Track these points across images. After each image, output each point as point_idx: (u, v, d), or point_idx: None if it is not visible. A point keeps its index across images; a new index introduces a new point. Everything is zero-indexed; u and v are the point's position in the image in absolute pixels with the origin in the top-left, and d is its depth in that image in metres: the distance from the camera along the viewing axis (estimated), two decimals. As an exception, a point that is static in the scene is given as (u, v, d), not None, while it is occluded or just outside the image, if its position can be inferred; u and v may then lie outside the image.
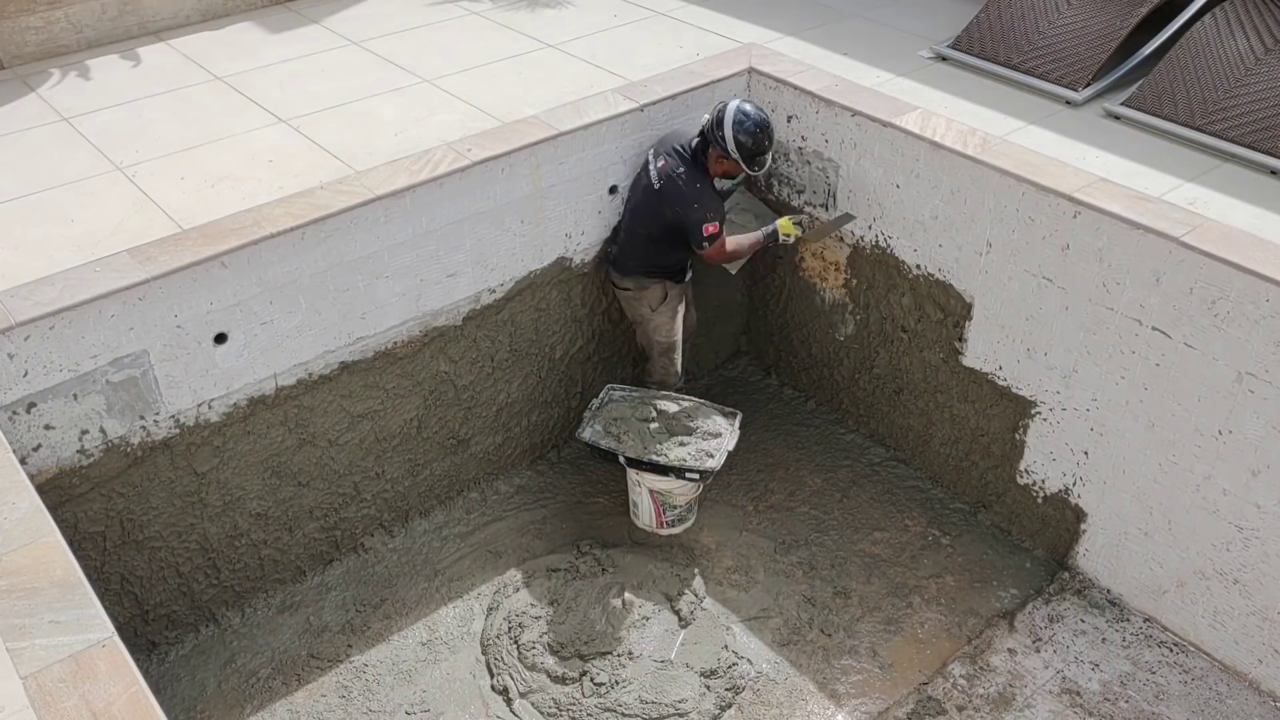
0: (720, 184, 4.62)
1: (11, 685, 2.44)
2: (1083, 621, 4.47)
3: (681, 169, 4.56)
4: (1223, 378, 3.83)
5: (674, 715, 4.09)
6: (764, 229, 4.85)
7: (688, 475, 4.56)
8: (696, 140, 4.61)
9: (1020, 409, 4.59)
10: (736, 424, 4.81)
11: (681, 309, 4.92)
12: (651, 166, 4.63)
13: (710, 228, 4.56)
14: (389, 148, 4.46)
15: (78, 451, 3.76)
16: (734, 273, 5.28)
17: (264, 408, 4.17)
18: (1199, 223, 3.86)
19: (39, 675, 2.47)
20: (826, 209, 5.02)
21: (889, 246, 4.82)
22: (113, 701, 2.41)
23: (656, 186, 4.60)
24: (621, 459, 4.62)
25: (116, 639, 2.56)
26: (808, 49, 5.34)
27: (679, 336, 4.95)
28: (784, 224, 4.79)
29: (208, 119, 4.75)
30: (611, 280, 4.92)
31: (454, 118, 4.71)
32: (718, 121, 4.45)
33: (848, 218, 4.82)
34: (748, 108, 4.45)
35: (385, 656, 4.36)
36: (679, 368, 5.01)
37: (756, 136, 4.45)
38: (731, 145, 4.44)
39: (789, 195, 5.19)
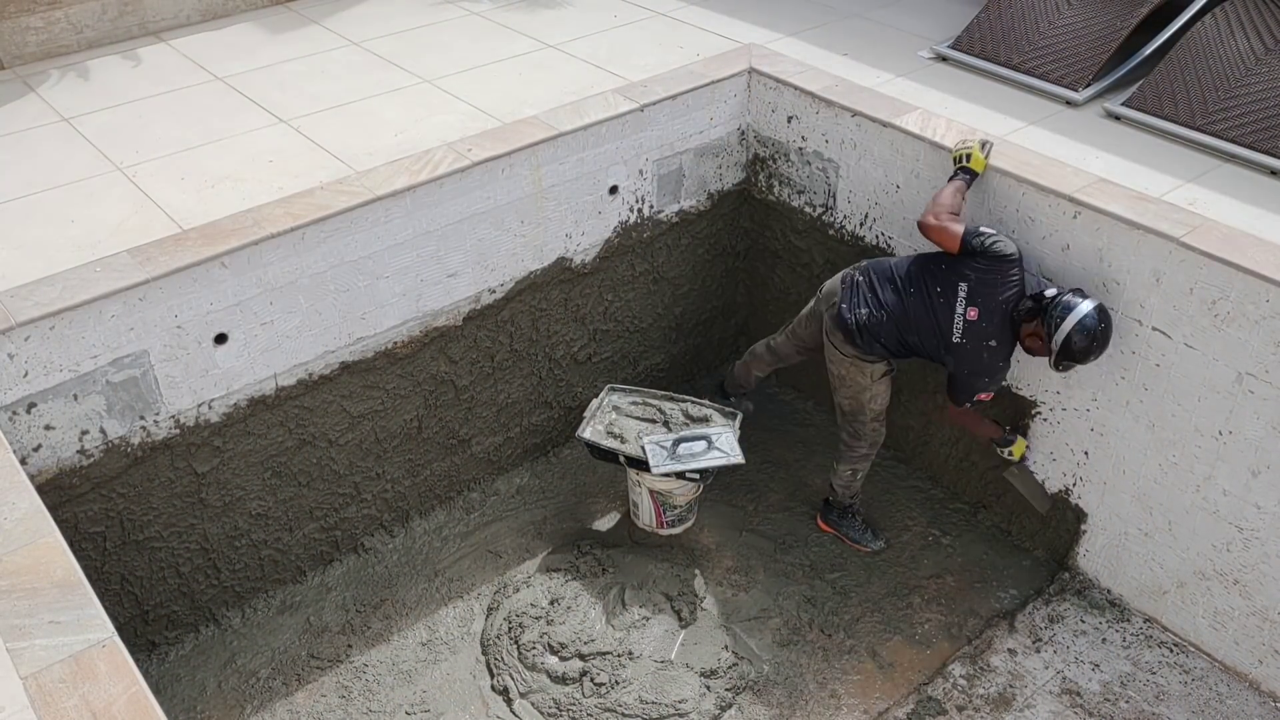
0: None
1: (12, 686, 2.44)
2: (1083, 622, 4.47)
3: (994, 341, 4.02)
4: (1223, 378, 3.83)
5: (674, 715, 4.09)
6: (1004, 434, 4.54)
7: (688, 475, 4.56)
8: (1028, 306, 3.97)
9: (1020, 409, 4.58)
10: (737, 424, 4.81)
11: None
12: (958, 306, 4.01)
13: (983, 396, 4.15)
14: (389, 148, 4.46)
15: (78, 452, 3.76)
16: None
17: (264, 408, 4.17)
18: (1199, 223, 3.86)
19: (39, 675, 2.47)
20: (827, 209, 5.02)
21: (889, 247, 4.82)
22: (113, 702, 2.41)
23: (956, 339, 4.06)
24: (622, 459, 4.62)
25: (116, 639, 2.56)
26: (808, 49, 5.34)
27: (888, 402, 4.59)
28: (1019, 447, 4.51)
29: (208, 119, 4.75)
30: (833, 342, 4.35)
31: (454, 118, 4.71)
32: (1064, 310, 3.85)
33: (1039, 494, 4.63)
34: (1099, 316, 3.86)
35: (385, 657, 4.36)
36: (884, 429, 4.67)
37: (1089, 348, 3.86)
38: (1059, 340, 3.85)
39: (789, 196, 5.19)
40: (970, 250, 4.00)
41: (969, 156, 4.20)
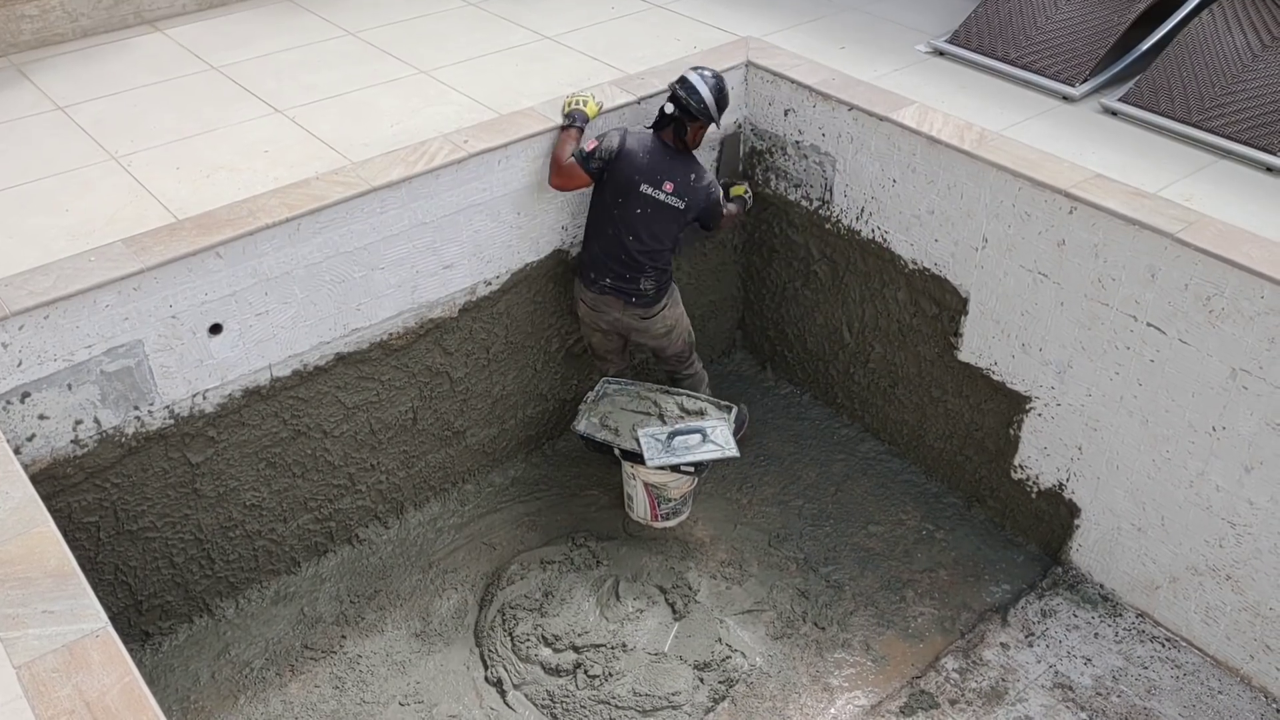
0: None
1: (5, 675, 2.44)
2: (1075, 616, 4.49)
3: (692, 175, 4.52)
4: (1217, 374, 3.84)
5: (667, 707, 4.10)
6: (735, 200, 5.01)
7: (682, 468, 4.57)
8: (671, 130, 4.49)
9: (1014, 404, 4.60)
10: (732, 418, 4.81)
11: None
12: (658, 194, 4.47)
13: (727, 207, 4.80)
14: (385, 139, 4.46)
15: (72, 441, 3.76)
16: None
17: (259, 399, 4.17)
18: (1194, 219, 3.87)
19: (32, 665, 2.47)
20: (824, 203, 5.02)
21: (885, 241, 4.82)
22: (106, 691, 2.41)
23: (681, 207, 4.52)
24: (617, 451, 4.62)
25: (110, 629, 2.56)
26: (805, 42, 5.33)
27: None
28: (738, 189, 5.03)
29: (203, 109, 4.74)
30: (635, 325, 4.76)
31: (450, 109, 4.71)
32: (693, 95, 4.39)
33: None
34: (705, 72, 4.48)
35: (379, 648, 4.37)
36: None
37: (724, 89, 4.51)
38: (714, 110, 4.45)
39: (785, 189, 5.19)
40: (596, 169, 4.45)
41: (584, 102, 4.56)
